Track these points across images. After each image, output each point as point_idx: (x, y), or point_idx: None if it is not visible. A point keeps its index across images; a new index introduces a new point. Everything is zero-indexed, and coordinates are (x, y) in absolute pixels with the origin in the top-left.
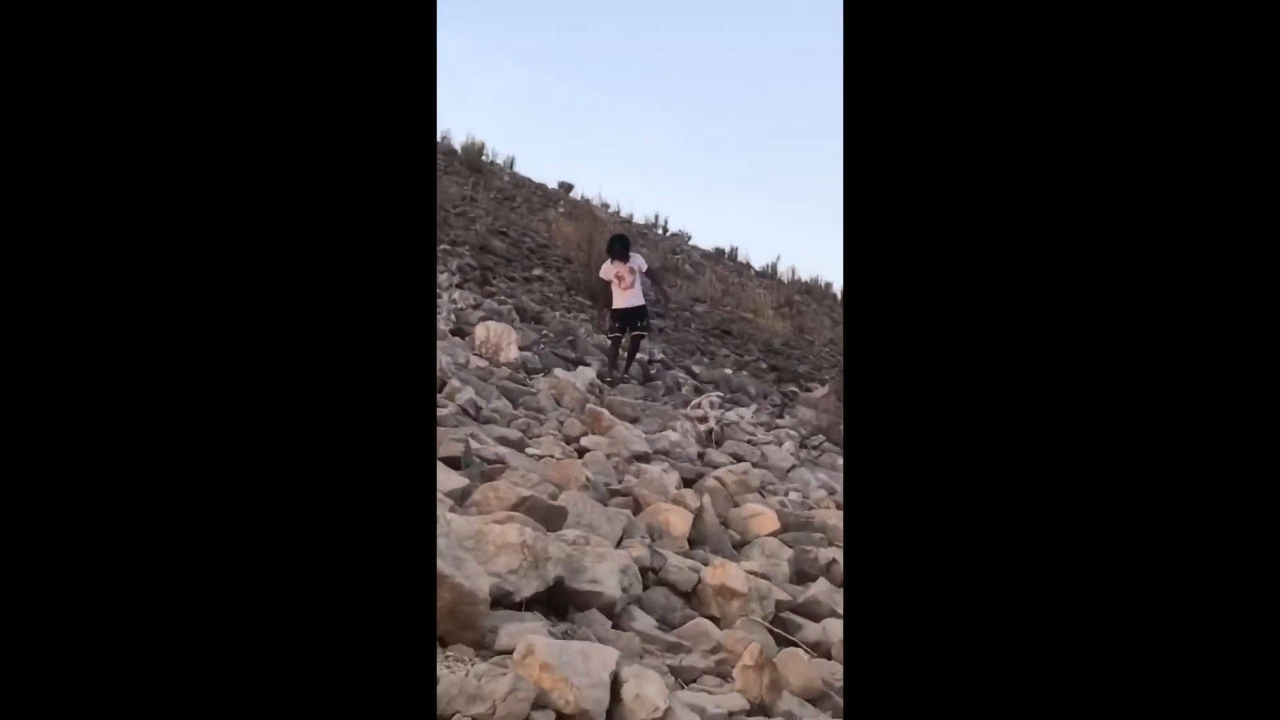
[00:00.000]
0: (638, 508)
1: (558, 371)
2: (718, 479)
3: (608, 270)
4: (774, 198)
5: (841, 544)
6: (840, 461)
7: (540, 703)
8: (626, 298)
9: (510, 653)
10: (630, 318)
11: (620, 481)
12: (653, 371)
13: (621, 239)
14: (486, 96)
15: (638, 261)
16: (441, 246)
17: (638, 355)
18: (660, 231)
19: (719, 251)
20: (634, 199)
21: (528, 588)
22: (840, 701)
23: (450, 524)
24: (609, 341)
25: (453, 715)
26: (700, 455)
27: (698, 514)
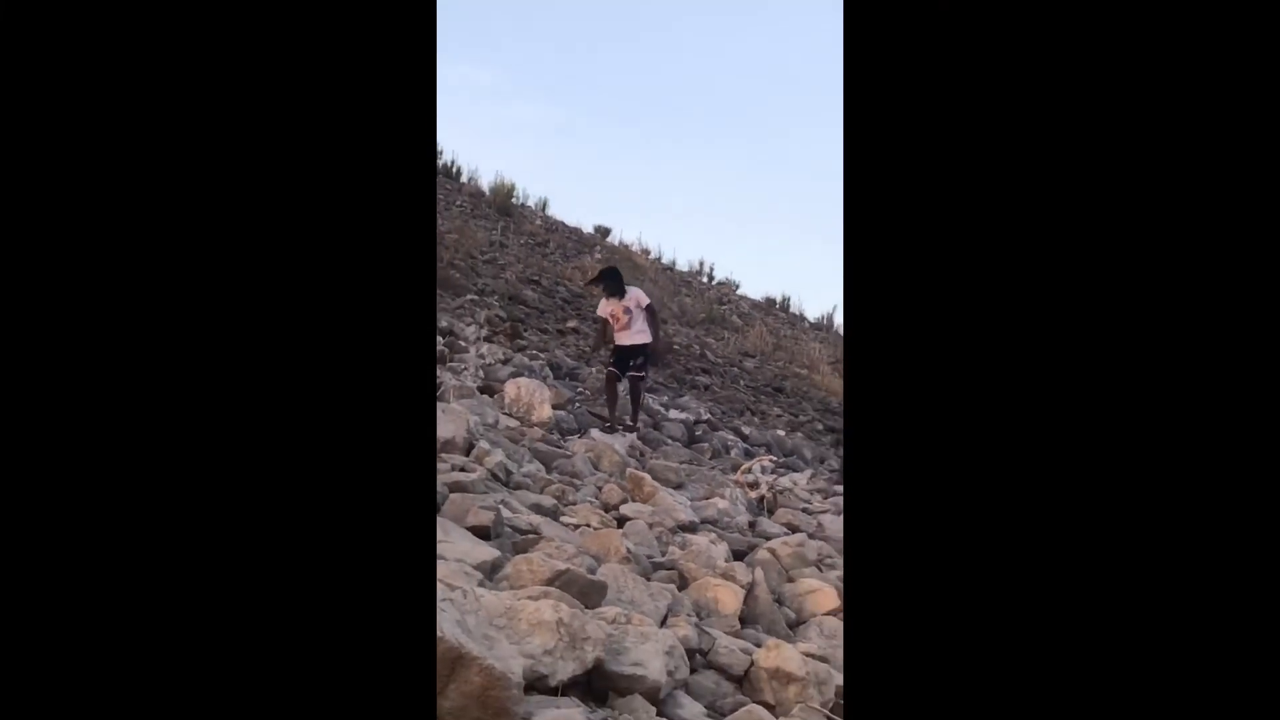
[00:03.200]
0: (684, 583)
1: (594, 433)
2: (771, 551)
3: (604, 309)
4: (827, 238)
5: None
6: None
7: None
8: (625, 338)
9: None
10: (627, 356)
11: (664, 554)
12: (697, 433)
13: (612, 273)
14: (506, 129)
15: (635, 296)
16: (469, 296)
17: (642, 399)
18: (706, 280)
19: (769, 302)
20: (676, 244)
21: (564, 670)
22: None
23: (480, 600)
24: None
25: None
26: (751, 525)
27: (749, 590)
